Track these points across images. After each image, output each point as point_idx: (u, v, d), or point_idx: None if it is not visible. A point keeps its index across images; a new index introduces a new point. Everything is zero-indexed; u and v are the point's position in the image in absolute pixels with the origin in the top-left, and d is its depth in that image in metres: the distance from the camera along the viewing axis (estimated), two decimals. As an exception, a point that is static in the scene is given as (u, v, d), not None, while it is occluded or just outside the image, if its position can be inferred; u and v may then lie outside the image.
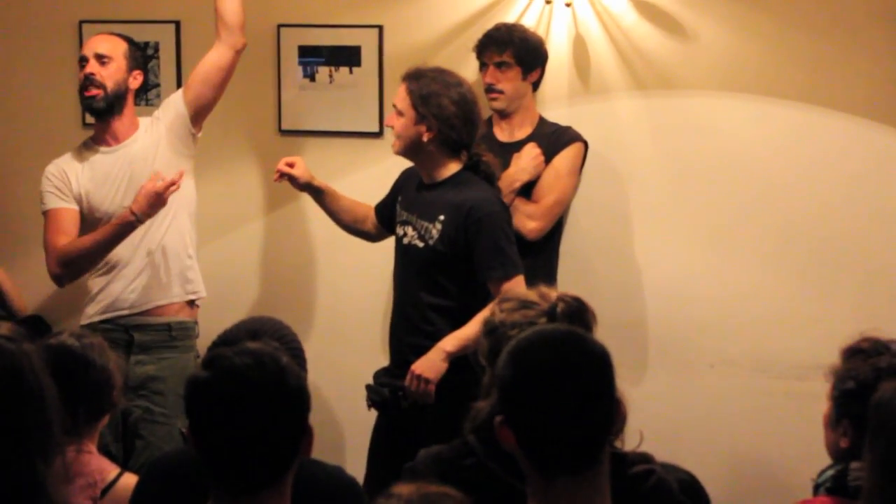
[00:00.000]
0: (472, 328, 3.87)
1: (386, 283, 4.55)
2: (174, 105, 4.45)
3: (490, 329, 2.84)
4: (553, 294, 2.86)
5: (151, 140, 4.41)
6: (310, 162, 4.47)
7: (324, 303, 5.16)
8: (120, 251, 4.34)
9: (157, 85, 5.12)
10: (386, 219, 4.39)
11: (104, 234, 4.25)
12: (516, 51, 4.55)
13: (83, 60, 4.39)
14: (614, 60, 4.79)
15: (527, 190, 4.55)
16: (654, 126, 4.81)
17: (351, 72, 4.96)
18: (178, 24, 5.12)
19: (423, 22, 4.93)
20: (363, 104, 4.99)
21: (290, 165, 4.38)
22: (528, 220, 4.51)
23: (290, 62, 5.04)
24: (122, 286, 4.39)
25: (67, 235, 4.33)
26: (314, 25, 4.99)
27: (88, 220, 4.40)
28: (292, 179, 4.39)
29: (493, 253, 3.96)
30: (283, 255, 5.17)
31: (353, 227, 4.52)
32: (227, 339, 2.85)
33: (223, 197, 5.11)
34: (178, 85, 4.93)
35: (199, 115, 4.46)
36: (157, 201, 4.15)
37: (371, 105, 4.98)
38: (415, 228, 4.10)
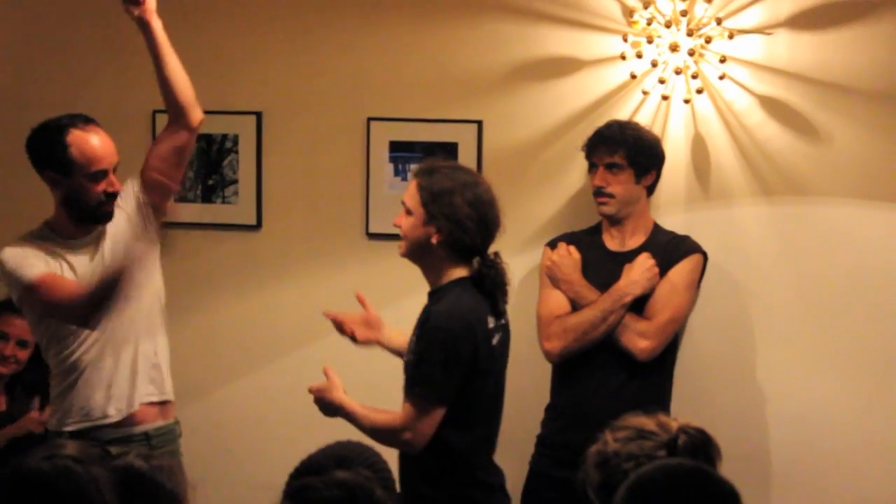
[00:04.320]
0: (369, 414, 3.71)
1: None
2: (132, 192, 4.11)
3: (601, 460, 2.71)
4: (673, 424, 2.75)
5: (115, 230, 4.05)
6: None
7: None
8: (80, 353, 4.01)
9: (235, 181, 4.93)
10: None
11: None
12: (629, 151, 4.43)
13: (101, 175, 3.96)
14: (737, 162, 4.69)
15: (639, 305, 4.40)
16: (782, 236, 4.69)
17: (446, 170, 4.77)
18: (259, 115, 4.96)
19: (527, 117, 4.83)
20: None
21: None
22: (640, 338, 4.37)
23: (379, 158, 4.90)
24: (87, 393, 4.02)
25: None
26: (407, 119, 4.91)
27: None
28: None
29: (418, 366, 3.67)
30: (368, 369, 4.79)
31: None
32: (313, 467, 2.66)
33: (303, 307, 4.94)
34: (258, 181, 4.87)
35: (162, 197, 4.10)
36: None
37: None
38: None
